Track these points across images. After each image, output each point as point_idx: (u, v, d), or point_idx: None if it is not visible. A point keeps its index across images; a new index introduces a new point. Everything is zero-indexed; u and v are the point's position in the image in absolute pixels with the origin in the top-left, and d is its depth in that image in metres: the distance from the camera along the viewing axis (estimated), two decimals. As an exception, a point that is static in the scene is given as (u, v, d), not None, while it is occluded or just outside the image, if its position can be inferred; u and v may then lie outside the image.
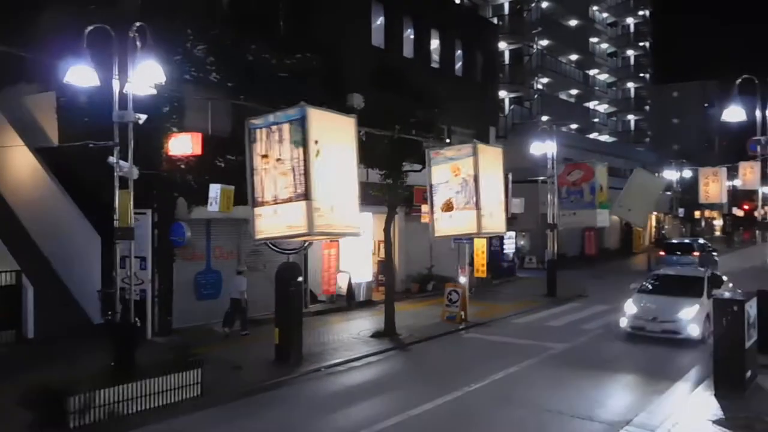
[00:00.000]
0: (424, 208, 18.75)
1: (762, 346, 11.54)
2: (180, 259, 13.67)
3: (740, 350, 8.87)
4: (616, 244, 40.30)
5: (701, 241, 30.50)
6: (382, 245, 19.68)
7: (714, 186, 9.70)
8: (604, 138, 48.75)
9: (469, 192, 8.05)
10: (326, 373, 10.96)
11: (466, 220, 8.01)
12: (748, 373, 9.10)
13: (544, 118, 41.26)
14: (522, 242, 31.78)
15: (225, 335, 13.17)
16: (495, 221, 8.51)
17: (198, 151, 12.88)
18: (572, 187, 9.62)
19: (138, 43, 9.12)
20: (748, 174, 10.36)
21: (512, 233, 24.78)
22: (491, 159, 8.70)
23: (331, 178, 7.49)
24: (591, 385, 9.94)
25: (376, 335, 13.57)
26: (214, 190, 10.68)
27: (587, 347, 12.62)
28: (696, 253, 26.75)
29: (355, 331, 14.08)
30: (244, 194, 13.22)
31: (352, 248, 17.74)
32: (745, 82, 11.96)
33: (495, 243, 24.13)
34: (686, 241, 30.18)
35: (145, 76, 8.92)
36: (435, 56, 21.79)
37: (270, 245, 11.69)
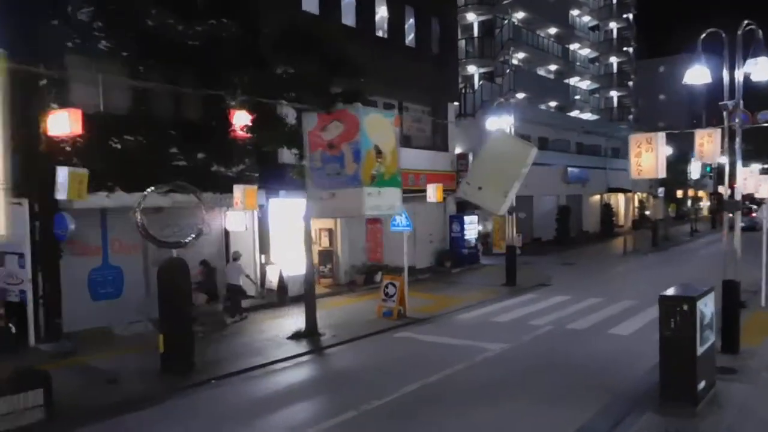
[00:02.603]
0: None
1: (726, 346, 10.04)
2: (69, 255, 11.91)
3: (691, 358, 7.27)
4: (595, 227, 38.83)
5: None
6: (323, 233, 18.04)
7: (648, 157, 7.70)
8: (587, 116, 47.03)
9: None
10: (217, 385, 9.32)
11: None
12: (702, 384, 7.50)
13: (521, 95, 39.46)
14: (491, 226, 30.23)
15: (241, 319, 13.46)
16: None
17: (78, 130, 10.99)
18: (329, 150, 6.28)
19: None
20: (706, 144, 8.60)
21: (474, 218, 23.11)
22: None
23: None
24: (511, 402, 8.31)
25: (295, 336, 11.94)
26: (63, 174, 8.88)
27: (527, 350, 10.99)
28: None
29: (274, 332, 12.45)
30: (104, 178, 11.50)
31: (285, 237, 16.03)
32: (715, 38, 10.26)
33: (455, 228, 22.49)
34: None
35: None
36: (384, 25, 19.88)
37: (147, 237, 9.96)
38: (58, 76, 11.64)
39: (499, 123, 18.66)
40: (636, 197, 44.04)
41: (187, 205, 12.74)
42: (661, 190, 32.15)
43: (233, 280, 13.52)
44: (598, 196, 40.66)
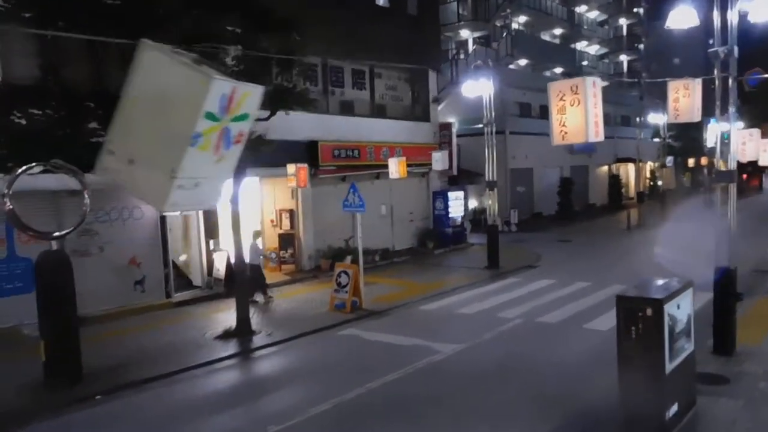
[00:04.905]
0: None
1: (719, 346, 8.34)
2: (-34, 246, 10.53)
3: (657, 376, 5.60)
4: (603, 200, 36.74)
5: None
6: (284, 214, 16.51)
7: (575, 113, 5.72)
8: (595, 83, 44.37)
9: None
10: (102, 400, 7.90)
11: None
12: (673, 409, 5.84)
13: (523, 61, 37.08)
14: (489, 202, 28.38)
15: (267, 301, 13.23)
16: None
17: (-39, 101, 9.56)
18: None
19: None
20: (682, 99, 6.76)
21: (459, 194, 21.31)
22: None
23: None
24: (442, 426, 6.74)
25: (224, 336, 10.47)
26: None
27: (484, 351, 9.36)
28: None
29: (204, 329, 10.98)
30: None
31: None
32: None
33: (439, 206, 20.75)
34: None
35: None
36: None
37: (19, 226, 8.47)
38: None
39: (478, 88, 16.76)
40: (647, 167, 41.65)
41: (109, 187, 11.26)
42: (669, 159, 29.91)
43: (254, 261, 12.99)
44: (606, 167, 38.46)
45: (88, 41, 11.37)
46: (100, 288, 11.87)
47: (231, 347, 9.97)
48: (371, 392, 7.70)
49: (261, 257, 13.39)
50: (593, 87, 5.54)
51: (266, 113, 10.50)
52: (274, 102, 10.26)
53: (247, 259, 13.17)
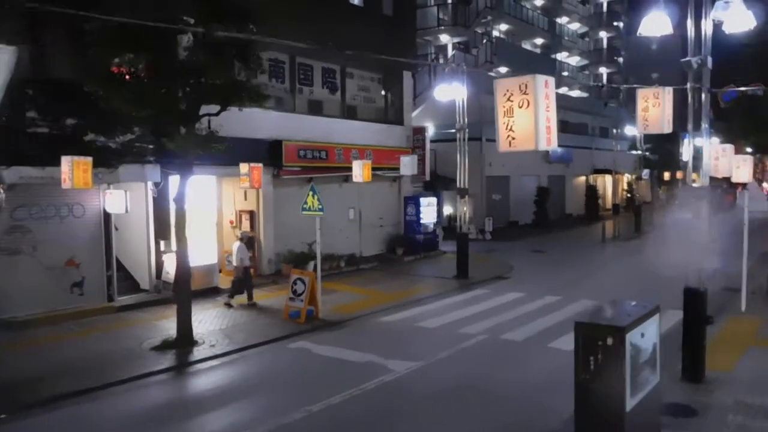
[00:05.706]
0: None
1: (687, 373, 7.82)
2: None
3: (616, 414, 4.99)
4: (580, 210, 36.50)
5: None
6: (244, 216, 15.72)
7: (524, 117, 5.04)
8: (575, 93, 44.37)
9: None
10: (8, 419, 7.07)
11: None
12: (635, 448, 5.23)
13: (503, 69, 36.77)
14: (465, 208, 27.84)
15: (227, 304, 12.58)
16: None
17: None
18: None
19: None
20: (651, 108, 6.27)
21: (432, 199, 20.71)
22: None
23: None
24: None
25: (162, 346, 9.67)
26: None
27: (440, 371, 8.71)
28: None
29: (143, 338, 10.15)
30: None
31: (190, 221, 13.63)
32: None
33: (410, 211, 20.12)
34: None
35: None
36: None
37: None
38: None
39: (451, 92, 16.20)
40: (624, 179, 41.62)
41: (44, 182, 10.43)
42: (645, 172, 29.75)
43: (244, 262, 12.70)
44: (583, 178, 38.30)
45: (29, 22, 10.56)
46: (32, 290, 10.99)
47: (167, 360, 9.18)
48: (312, 416, 7.00)
49: (241, 260, 12.66)
50: (545, 87, 4.91)
51: (216, 108, 9.74)
52: (224, 96, 9.51)
53: (235, 262, 12.63)
